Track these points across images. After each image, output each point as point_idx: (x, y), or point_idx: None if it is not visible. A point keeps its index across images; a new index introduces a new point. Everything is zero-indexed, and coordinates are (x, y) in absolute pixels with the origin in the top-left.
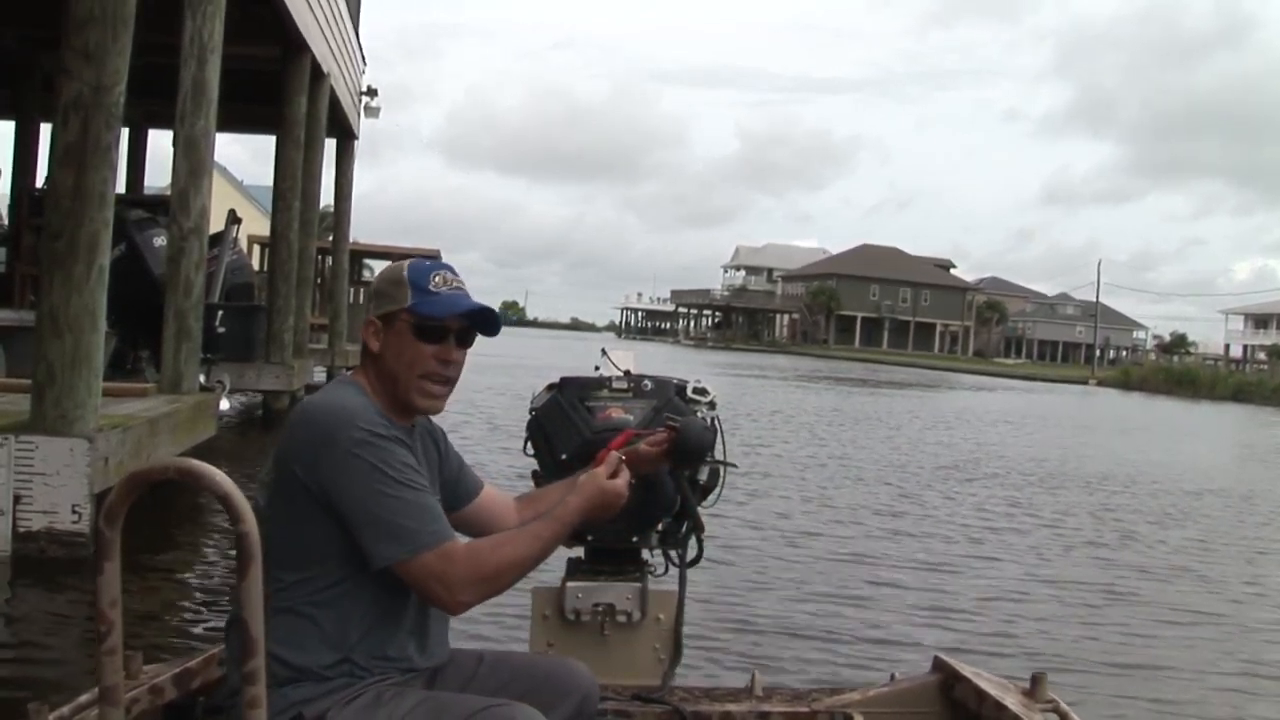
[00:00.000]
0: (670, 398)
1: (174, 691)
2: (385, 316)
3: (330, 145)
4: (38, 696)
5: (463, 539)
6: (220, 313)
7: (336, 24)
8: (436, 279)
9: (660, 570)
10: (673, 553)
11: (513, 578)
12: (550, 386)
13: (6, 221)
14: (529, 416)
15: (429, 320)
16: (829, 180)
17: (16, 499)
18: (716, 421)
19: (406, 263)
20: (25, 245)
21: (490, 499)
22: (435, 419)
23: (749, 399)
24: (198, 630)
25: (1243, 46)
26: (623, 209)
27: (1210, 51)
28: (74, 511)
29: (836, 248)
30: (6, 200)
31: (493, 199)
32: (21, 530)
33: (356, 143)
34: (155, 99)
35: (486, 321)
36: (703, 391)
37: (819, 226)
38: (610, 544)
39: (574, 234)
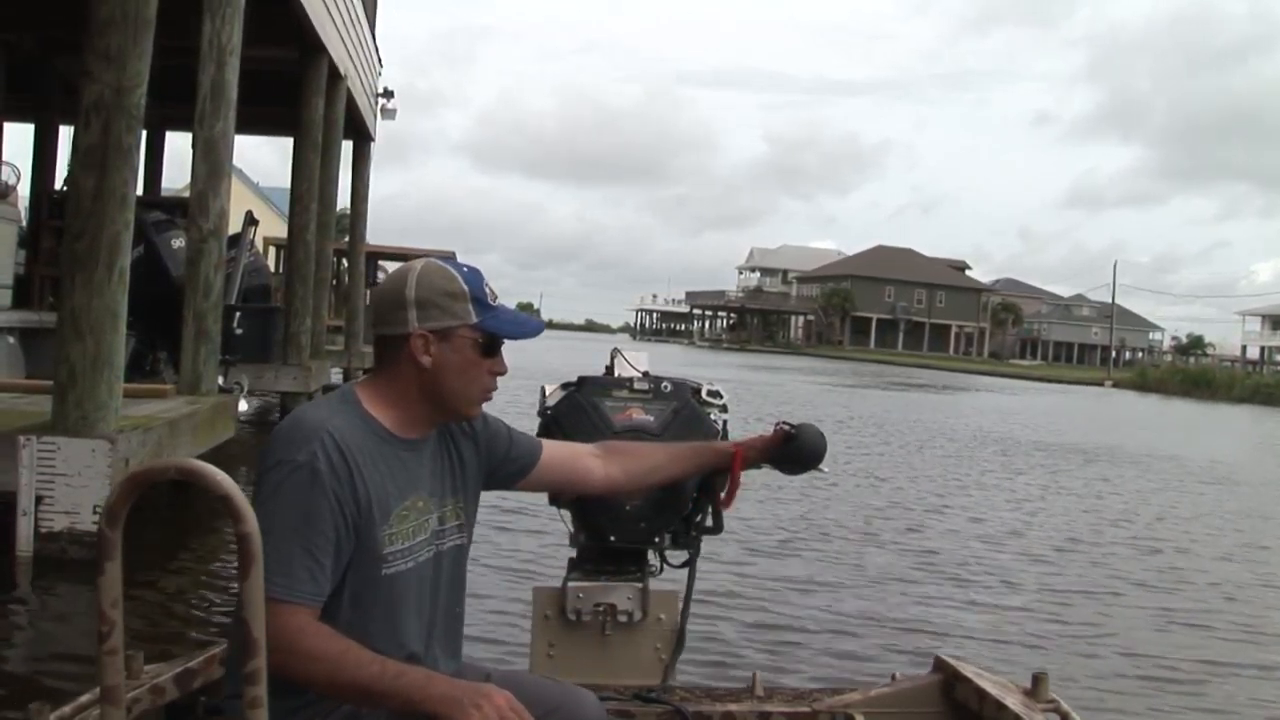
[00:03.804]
0: (688, 399)
1: (175, 691)
2: (441, 331)
3: (347, 147)
4: (42, 696)
5: (317, 628)
6: (238, 314)
7: (353, 25)
8: (488, 290)
9: (658, 570)
10: (670, 551)
11: (312, 672)
12: (565, 385)
13: (26, 223)
14: (542, 415)
15: (499, 339)
16: (853, 184)
17: (38, 500)
18: (725, 425)
19: (454, 272)
20: (44, 247)
21: (555, 458)
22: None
23: (757, 402)
24: (199, 630)
25: (1276, 50)
26: (643, 211)
27: (1243, 56)
28: (95, 512)
29: (856, 250)
30: (26, 202)
31: (515, 201)
32: (44, 531)
33: (374, 145)
34: (173, 101)
35: None
36: (716, 394)
37: (841, 229)
38: (632, 543)
39: (594, 236)
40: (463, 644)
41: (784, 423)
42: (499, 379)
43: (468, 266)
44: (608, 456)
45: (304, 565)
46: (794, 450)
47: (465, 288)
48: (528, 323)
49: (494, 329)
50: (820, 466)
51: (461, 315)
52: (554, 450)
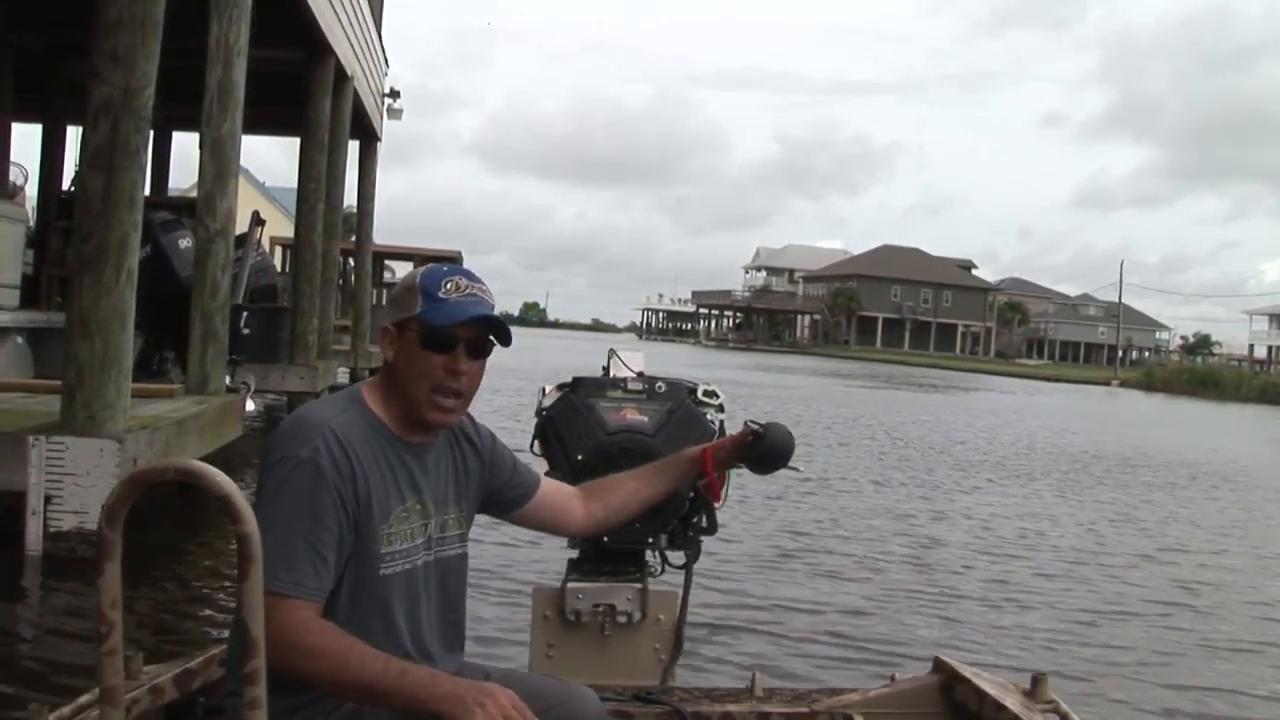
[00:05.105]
0: (683, 400)
1: (174, 692)
2: (399, 324)
3: (354, 148)
4: (46, 695)
5: (326, 625)
6: (245, 314)
7: (359, 26)
8: (449, 285)
9: (658, 571)
10: (669, 552)
11: (316, 669)
12: (561, 386)
13: (33, 224)
14: (539, 416)
15: (434, 328)
16: (862, 184)
17: (47, 499)
18: (722, 425)
19: (423, 268)
20: (52, 247)
21: (549, 494)
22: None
23: (764, 405)
24: (199, 630)
25: None
26: (651, 211)
27: (1256, 56)
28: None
29: (863, 250)
30: (33, 202)
31: (523, 202)
32: (52, 530)
33: (381, 145)
34: (180, 102)
35: (497, 330)
36: (712, 394)
37: (849, 229)
38: (626, 544)
39: (601, 237)
40: (464, 647)
41: (752, 422)
42: (485, 383)
43: (448, 265)
44: (588, 496)
45: (308, 560)
46: (763, 450)
47: (419, 281)
48: (463, 311)
49: (429, 319)
50: (792, 465)
51: (410, 307)
52: (549, 488)
